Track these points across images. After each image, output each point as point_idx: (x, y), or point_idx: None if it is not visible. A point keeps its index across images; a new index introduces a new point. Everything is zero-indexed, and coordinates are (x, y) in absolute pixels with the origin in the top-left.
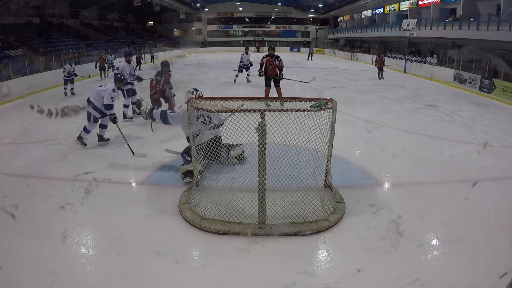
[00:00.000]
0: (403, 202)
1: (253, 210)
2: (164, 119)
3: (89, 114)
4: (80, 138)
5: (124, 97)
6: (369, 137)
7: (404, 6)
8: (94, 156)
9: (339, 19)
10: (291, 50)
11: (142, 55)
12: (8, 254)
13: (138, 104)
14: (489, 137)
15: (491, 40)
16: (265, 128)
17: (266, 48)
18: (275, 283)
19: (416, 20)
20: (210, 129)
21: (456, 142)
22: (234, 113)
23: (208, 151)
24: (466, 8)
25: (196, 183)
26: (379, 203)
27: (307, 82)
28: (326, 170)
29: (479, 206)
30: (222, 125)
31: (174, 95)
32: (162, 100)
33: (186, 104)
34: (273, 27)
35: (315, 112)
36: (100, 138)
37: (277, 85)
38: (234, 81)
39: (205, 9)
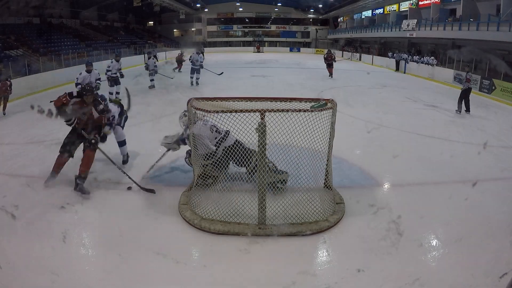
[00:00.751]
0: (403, 202)
1: (253, 211)
2: (184, 140)
3: None
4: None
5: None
6: (369, 137)
7: (404, 6)
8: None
9: (339, 20)
10: (291, 50)
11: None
12: (8, 254)
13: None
14: (489, 137)
15: (491, 41)
16: (265, 128)
17: (266, 48)
18: (275, 283)
19: (416, 20)
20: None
21: (456, 143)
22: (234, 113)
23: (236, 155)
24: (466, 9)
25: (196, 184)
26: (379, 203)
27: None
28: (326, 170)
29: (479, 206)
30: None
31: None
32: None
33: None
34: (273, 27)
35: (315, 113)
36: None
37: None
38: (153, 86)
39: (205, 10)
